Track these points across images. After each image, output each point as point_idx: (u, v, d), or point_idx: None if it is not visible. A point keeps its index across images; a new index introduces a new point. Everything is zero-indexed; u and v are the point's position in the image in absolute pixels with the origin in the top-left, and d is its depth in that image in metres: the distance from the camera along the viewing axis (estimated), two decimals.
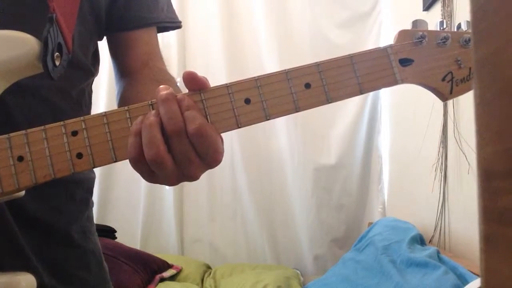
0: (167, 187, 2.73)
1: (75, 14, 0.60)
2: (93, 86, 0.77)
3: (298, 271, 2.54)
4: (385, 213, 2.63)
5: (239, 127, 0.51)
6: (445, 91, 0.54)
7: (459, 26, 0.55)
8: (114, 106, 0.60)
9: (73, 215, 0.69)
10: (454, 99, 1.70)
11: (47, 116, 0.57)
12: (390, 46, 0.54)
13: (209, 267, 2.65)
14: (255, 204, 2.72)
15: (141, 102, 0.50)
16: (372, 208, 2.71)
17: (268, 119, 0.51)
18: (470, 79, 0.54)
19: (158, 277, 2.29)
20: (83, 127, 0.50)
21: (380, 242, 1.80)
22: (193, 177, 0.49)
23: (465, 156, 1.59)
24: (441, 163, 1.79)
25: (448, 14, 1.71)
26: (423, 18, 0.57)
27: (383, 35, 2.65)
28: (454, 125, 1.68)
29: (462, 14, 1.62)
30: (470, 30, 0.55)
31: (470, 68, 0.54)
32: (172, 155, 0.47)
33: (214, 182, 2.74)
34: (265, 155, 2.72)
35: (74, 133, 0.50)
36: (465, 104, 1.64)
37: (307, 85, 0.52)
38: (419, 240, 1.74)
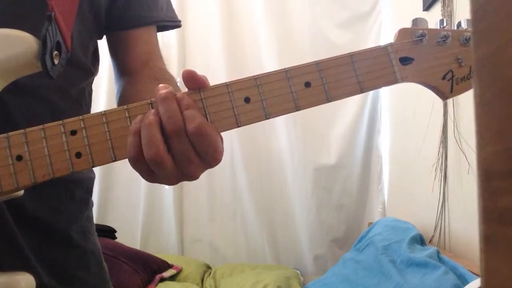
0: (166, 186, 2.73)
1: (74, 12, 0.60)
2: (93, 86, 0.77)
3: (298, 271, 2.54)
4: (385, 213, 2.63)
5: (239, 126, 0.50)
6: (446, 89, 0.54)
7: (459, 24, 0.55)
8: (114, 105, 0.60)
9: (73, 215, 0.69)
10: (454, 99, 1.70)
11: (46, 115, 0.57)
12: (390, 45, 0.54)
13: (209, 267, 2.64)
14: (255, 204, 2.72)
15: (141, 101, 0.50)
16: (372, 208, 2.71)
17: (268, 118, 0.51)
18: (471, 78, 0.54)
19: (158, 277, 2.28)
20: (82, 126, 0.49)
21: (380, 242, 1.80)
22: (193, 177, 0.49)
23: (465, 156, 1.59)
24: (441, 163, 1.79)
25: (448, 14, 1.70)
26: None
27: (383, 35, 2.65)
28: (454, 125, 1.68)
29: (462, 14, 1.62)
30: (470, 29, 0.55)
31: (470, 67, 0.54)
32: (171, 155, 0.47)
33: (214, 182, 2.74)
34: (265, 155, 2.72)
35: (73, 132, 0.49)
36: (465, 104, 1.64)
37: (307, 84, 0.51)
38: (419, 240, 1.74)
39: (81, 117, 0.50)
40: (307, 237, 2.68)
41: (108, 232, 2.52)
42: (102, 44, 0.77)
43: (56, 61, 0.53)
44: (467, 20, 0.54)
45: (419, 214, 2.03)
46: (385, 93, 2.64)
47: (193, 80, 0.50)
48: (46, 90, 0.62)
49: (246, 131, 2.64)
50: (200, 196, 2.75)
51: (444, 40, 0.54)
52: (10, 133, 0.49)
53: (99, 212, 2.73)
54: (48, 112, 0.61)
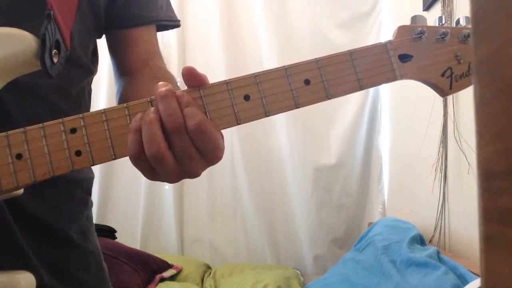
0: (167, 186, 2.73)
1: (73, 11, 0.59)
2: (93, 85, 0.77)
3: (298, 271, 2.54)
4: (385, 213, 2.63)
5: (239, 124, 0.50)
6: (445, 86, 0.54)
7: (458, 21, 0.55)
8: (114, 104, 0.60)
9: (73, 215, 0.69)
10: (454, 99, 1.70)
11: (46, 114, 0.57)
12: (390, 42, 0.54)
13: (209, 267, 2.64)
14: (255, 204, 2.72)
15: (140, 99, 0.50)
16: (372, 208, 2.71)
17: (268, 116, 0.51)
18: (470, 75, 0.54)
19: (158, 277, 2.28)
20: (82, 124, 0.49)
21: (380, 242, 1.80)
22: (194, 174, 0.49)
23: (465, 156, 1.59)
24: (441, 163, 1.79)
25: (448, 13, 1.70)
26: None
27: (383, 35, 2.65)
28: (454, 125, 1.68)
29: (462, 14, 1.61)
30: (469, 26, 0.55)
31: (469, 64, 0.54)
32: (172, 152, 0.47)
33: (214, 181, 2.74)
34: (265, 155, 2.72)
35: (73, 131, 0.49)
36: (465, 104, 1.64)
37: (307, 81, 0.51)
38: (419, 240, 1.74)
39: (80, 115, 0.50)
40: (307, 237, 2.68)
41: (108, 232, 2.52)
42: (102, 44, 0.77)
43: (55, 60, 0.53)
44: (466, 17, 0.55)
45: (419, 214, 2.03)
46: (385, 93, 2.64)
47: (193, 77, 0.50)
48: (45, 89, 0.62)
49: (246, 131, 2.64)
50: (200, 196, 2.75)
51: (443, 37, 0.54)
52: (10, 132, 0.49)
53: (99, 212, 2.73)
54: (47, 111, 0.61)
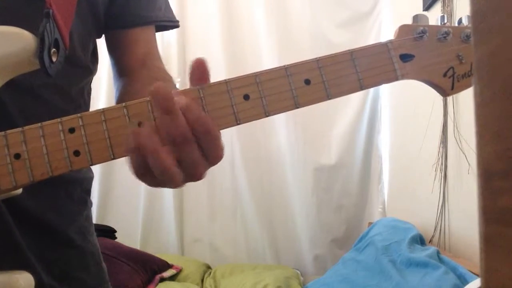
0: None
1: (72, 10, 0.59)
2: (93, 85, 0.77)
3: (298, 271, 2.54)
4: (385, 213, 2.63)
5: (238, 124, 0.50)
6: (447, 86, 0.54)
7: (460, 21, 0.55)
8: (113, 104, 0.60)
9: (72, 215, 0.69)
10: (454, 99, 1.70)
11: (45, 114, 0.56)
12: (391, 42, 0.53)
13: (209, 267, 2.65)
14: (255, 204, 2.72)
15: (139, 99, 0.50)
16: (372, 208, 2.71)
17: (268, 116, 0.50)
18: (472, 75, 0.53)
19: (158, 277, 2.29)
20: (81, 124, 0.49)
21: (380, 242, 1.80)
22: (199, 178, 0.49)
23: (465, 156, 1.59)
24: (441, 163, 1.79)
25: (448, 13, 1.70)
26: None
27: (383, 35, 2.65)
28: (454, 125, 1.68)
29: (462, 13, 1.61)
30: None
31: (471, 64, 0.54)
32: (179, 163, 0.46)
33: (214, 182, 2.75)
34: (265, 155, 2.72)
35: (72, 130, 0.49)
36: (465, 104, 1.64)
37: (307, 81, 0.51)
38: (419, 240, 1.74)
39: (79, 115, 0.49)
40: (307, 237, 2.68)
41: (108, 232, 2.52)
42: (102, 44, 0.77)
43: (54, 59, 0.53)
44: (468, 16, 0.54)
45: (419, 214, 2.03)
46: (385, 93, 2.64)
47: (201, 72, 0.49)
48: (44, 88, 0.62)
49: (246, 131, 2.64)
50: (200, 196, 2.75)
51: (445, 37, 0.53)
52: (8, 131, 0.49)
53: (99, 212, 2.73)
54: (46, 111, 0.61)
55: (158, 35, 0.79)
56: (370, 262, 1.75)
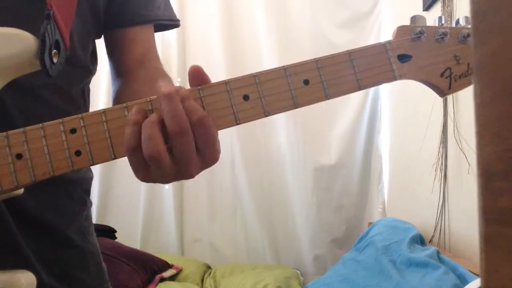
0: (166, 186, 2.73)
1: (73, 11, 0.59)
2: (93, 85, 0.77)
3: (298, 271, 2.54)
4: (385, 213, 2.63)
5: (238, 124, 0.51)
6: (444, 86, 0.54)
7: (457, 21, 0.55)
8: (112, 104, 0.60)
9: (72, 214, 0.69)
10: (454, 99, 1.70)
11: (45, 114, 0.57)
12: (389, 42, 0.54)
13: (209, 267, 2.65)
14: (255, 204, 2.72)
15: (140, 99, 0.50)
16: (372, 208, 2.71)
17: (267, 116, 0.51)
18: (469, 75, 0.54)
19: (158, 277, 2.29)
20: (82, 124, 0.50)
21: (380, 242, 1.80)
22: (189, 176, 0.49)
23: (465, 156, 1.59)
24: (441, 163, 1.79)
25: (448, 14, 1.70)
26: None
27: (383, 35, 2.65)
28: (454, 125, 1.68)
29: (462, 14, 1.61)
30: (468, 26, 0.55)
31: (468, 64, 0.54)
32: (171, 153, 0.47)
33: (214, 182, 2.74)
34: (265, 155, 2.72)
35: (73, 131, 0.49)
36: (465, 104, 1.64)
37: (306, 82, 0.52)
38: (419, 240, 1.74)
39: (80, 115, 0.50)
40: (307, 237, 2.68)
41: (108, 232, 2.52)
42: (102, 44, 0.77)
43: (55, 60, 0.53)
44: (466, 17, 0.55)
45: (419, 214, 2.03)
46: (385, 93, 2.64)
47: (199, 78, 0.50)
48: (45, 89, 0.62)
49: (246, 131, 2.64)
50: (200, 196, 2.76)
51: (442, 38, 0.54)
52: (10, 132, 0.49)
53: (99, 212, 2.73)
54: (47, 111, 0.61)
55: (158, 35, 0.79)
56: (370, 262, 1.75)
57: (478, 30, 0.25)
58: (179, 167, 0.48)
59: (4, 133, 0.49)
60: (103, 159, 0.50)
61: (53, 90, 0.63)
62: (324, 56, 0.52)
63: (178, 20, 0.82)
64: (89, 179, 0.75)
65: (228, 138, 2.65)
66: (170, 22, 0.80)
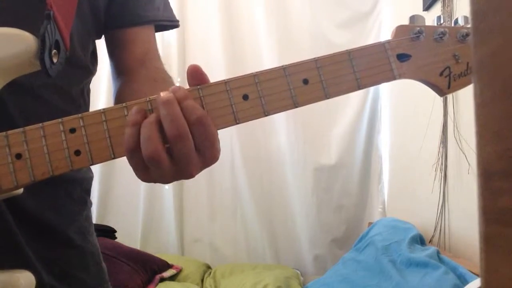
0: (166, 186, 2.73)
1: (73, 11, 0.60)
2: (93, 85, 0.77)
3: (298, 271, 2.54)
4: (385, 213, 2.63)
5: (237, 123, 0.51)
6: (443, 86, 0.54)
7: (456, 21, 0.56)
8: (113, 104, 0.60)
9: (72, 214, 0.69)
10: (454, 99, 1.70)
11: (45, 114, 0.57)
12: (388, 42, 0.54)
13: (209, 267, 2.65)
14: (255, 204, 2.72)
15: (139, 99, 0.50)
16: (372, 208, 2.71)
17: (267, 115, 0.51)
18: (468, 74, 0.54)
19: (158, 277, 2.29)
20: (81, 124, 0.50)
21: (380, 242, 1.80)
22: (189, 176, 0.49)
23: (465, 156, 1.59)
24: (441, 163, 1.79)
25: (448, 14, 1.70)
26: None
27: (383, 35, 2.65)
28: (454, 125, 1.68)
29: (462, 14, 1.61)
30: (467, 25, 0.55)
31: (467, 63, 0.54)
32: (171, 155, 0.47)
33: (214, 181, 2.75)
34: (265, 155, 2.72)
35: (72, 131, 0.49)
36: (465, 104, 1.64)
37: (305, 81, 0.52)
38: (419, 240, 1.74)
39: (80, 115, 0.50)
40: (307, 237, 2.68)
41: (108, 232, 2.52)
42: (102, 44, 0.77)
43: (55, 60, 0.53)
44: (464, 16, 0.55)
45: (419, 214, 2.03)
46: (385, 93, 2.64)
47: (198, 77, 0.50)
48: (45, 89, 0.62)
49: (246, 131, 2.64)
50: (200, 196, 2.76)
51: (441, 37, 0.54)
52: (9, 132, 0.49)
53: (99, 212, 2.74)
54: (47, 111, 0.61)
55: (158, 35, 0.80)
56: (370, 262, 1.75)
57: (478, 30, 0.24)
58: (179, 167, 0.48)
59: (4, 133, 0.49)
60: (103, 159, 0.50)
61: (53, 90, 0.63)
62: (323, 56, 0.52)
63: (177, 21, 0.82)
64: (89, 179, 0.75)
65: (228, 138, 2.65)
66: (169, 23, 0.80)
